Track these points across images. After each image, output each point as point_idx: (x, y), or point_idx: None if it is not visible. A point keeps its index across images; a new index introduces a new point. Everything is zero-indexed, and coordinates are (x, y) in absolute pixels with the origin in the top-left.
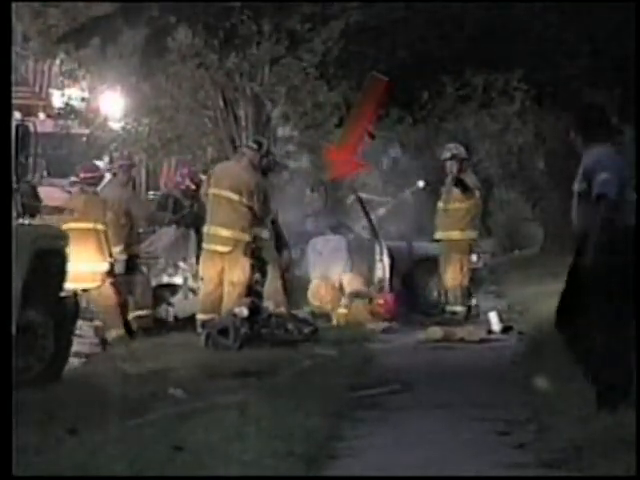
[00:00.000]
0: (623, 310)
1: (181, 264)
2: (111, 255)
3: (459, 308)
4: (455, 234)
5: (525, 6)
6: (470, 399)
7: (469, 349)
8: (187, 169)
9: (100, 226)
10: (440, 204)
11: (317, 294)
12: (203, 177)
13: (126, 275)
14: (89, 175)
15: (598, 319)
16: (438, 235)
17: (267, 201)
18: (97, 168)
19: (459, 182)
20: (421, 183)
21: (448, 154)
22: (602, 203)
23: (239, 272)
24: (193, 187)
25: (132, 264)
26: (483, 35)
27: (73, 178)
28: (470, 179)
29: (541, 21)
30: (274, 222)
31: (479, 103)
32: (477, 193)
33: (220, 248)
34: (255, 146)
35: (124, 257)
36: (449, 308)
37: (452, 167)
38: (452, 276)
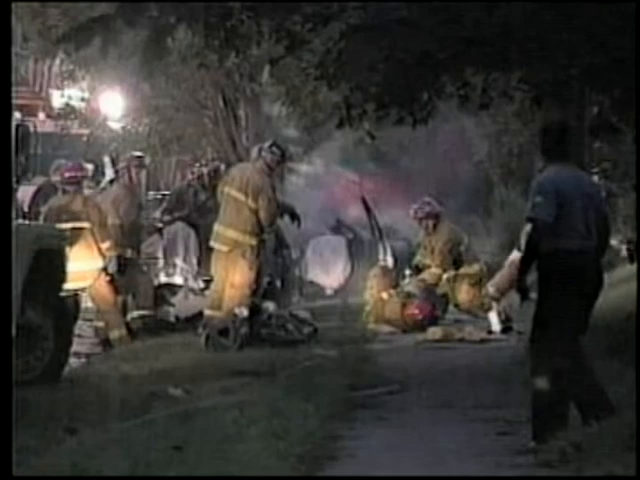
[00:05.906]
0: (545, 339)
1: (181, 264)
2: (101, 253)
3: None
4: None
5: (525, 6)
6: (470, 399)
7: (469, 349)
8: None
9: (86, 224)
10: (419, 258)
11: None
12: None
13: (127, 275)
14: (72, 174)
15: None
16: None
17: (274, 207)
18: (81, 167)
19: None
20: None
21: (422, 214)
22: (531, 226)
23: (238, 275)
24: (212, 174)
25: (134, 264)
26: (483, 35)
27: (56, 178)
28: (448, 229)
29: (541, 21)
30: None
31: (479, 103)
32: (465, 240)
33: (221, 247)
34: (278, 151)
35: (114, 254)
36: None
37: (428, 223)
38: (468, 297)
